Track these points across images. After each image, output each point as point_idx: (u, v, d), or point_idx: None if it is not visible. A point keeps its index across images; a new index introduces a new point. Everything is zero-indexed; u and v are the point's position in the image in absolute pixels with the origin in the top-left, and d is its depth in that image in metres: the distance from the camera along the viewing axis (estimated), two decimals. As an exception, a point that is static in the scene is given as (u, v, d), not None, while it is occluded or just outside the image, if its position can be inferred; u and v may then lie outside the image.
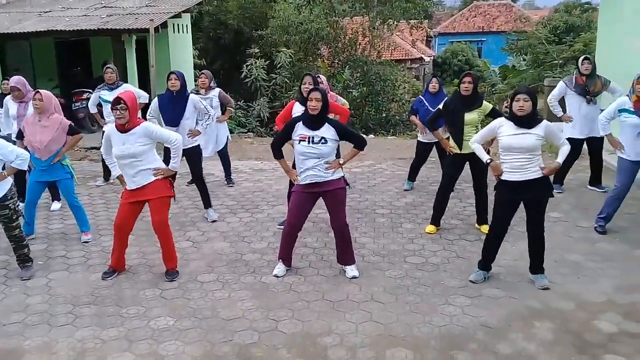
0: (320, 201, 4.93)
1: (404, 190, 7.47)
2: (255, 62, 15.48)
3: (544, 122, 4.48)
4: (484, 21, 43.09)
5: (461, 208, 6.66)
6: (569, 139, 6.93)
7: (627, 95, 5.63)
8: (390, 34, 20.86)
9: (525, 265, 4.81)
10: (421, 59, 33.75)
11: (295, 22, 17.19)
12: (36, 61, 13.29)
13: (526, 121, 4.42)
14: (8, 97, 6.71)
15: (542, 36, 21.50)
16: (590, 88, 6.82)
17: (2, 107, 6.95)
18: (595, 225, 5.82)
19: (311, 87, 5.73)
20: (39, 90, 5.63)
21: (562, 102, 7.21)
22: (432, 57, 37.31)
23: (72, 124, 5.80)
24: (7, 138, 5.71)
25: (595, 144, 6.93)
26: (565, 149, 4.58)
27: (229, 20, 18.33)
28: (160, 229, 4.89)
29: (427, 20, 39.04)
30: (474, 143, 4.83)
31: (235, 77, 16.62)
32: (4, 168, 4.85)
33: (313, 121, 4.64)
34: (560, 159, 4.56)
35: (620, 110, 5.61)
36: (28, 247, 5.15)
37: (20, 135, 5.80)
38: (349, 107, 7.52)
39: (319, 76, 7.08)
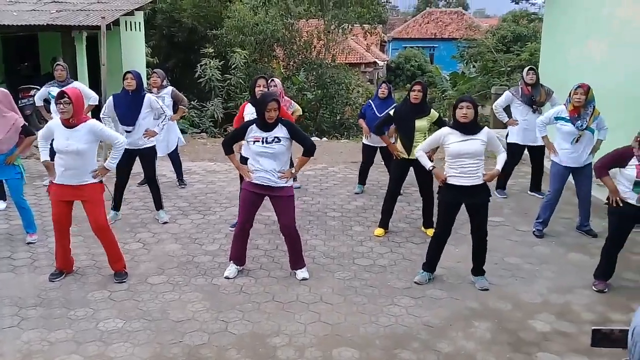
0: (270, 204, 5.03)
1: (355, 194, 7.64)
2: (210, 62, 15.39)
3: (486, 128, 4.74)
4: (436, 28, 44.07)
5: (409, 212, 6.88)
6: (511, 144, 7.33)
7: (564, 104, 5.96)
8: (345, 37, 21.12)
9: (467, 267, 5.04)
10: (375, 63, 34.26)
11: (251, 23, 17.19)
12: (-19, 56, 12.86)
13: (470, 127, 4.65)
14: None
15: (490, 45, 22.22)
16: (536, 98, 7.17)
17: None
18: (534, 229, 6.13)
19: (265, 89, 5.84)
20: None
21: (507, 109, 7.55)
22: (385, 62, 37.90)
23: (27, 124, 5.69)
24: None
25: (537, 152, 7.28)
26: (502, 156, 4.84)
27: (183, 18, 18.17)
28: (100, 231, 4.85)
29: (381, 25, 39.73)
30: (419, 151, 5.03)
31: (189, 76, 16.46)
32: None
33: (267, 124, 4.74)
34: (499, 165, 4.81)
35: (557, 118, 5.93)
36: (-29, 248, 5.03)
37: None
38: (301, 112, 7.66)
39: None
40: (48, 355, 3.83)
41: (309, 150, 4.92)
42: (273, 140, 4.71)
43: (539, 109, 7.12)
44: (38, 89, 7.88)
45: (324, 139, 13.47)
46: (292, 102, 7.46)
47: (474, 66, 24.82)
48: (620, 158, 4.60)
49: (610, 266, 4.81)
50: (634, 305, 4.56)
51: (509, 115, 7.43)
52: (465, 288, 4.87)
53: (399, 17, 65.89)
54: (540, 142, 6.64)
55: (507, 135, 7.49)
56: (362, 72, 32.78)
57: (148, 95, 6.27)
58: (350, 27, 21.01)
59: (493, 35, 24.56)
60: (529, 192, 7.57)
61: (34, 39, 12.64)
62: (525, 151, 7.42)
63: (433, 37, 43.68)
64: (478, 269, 4.92)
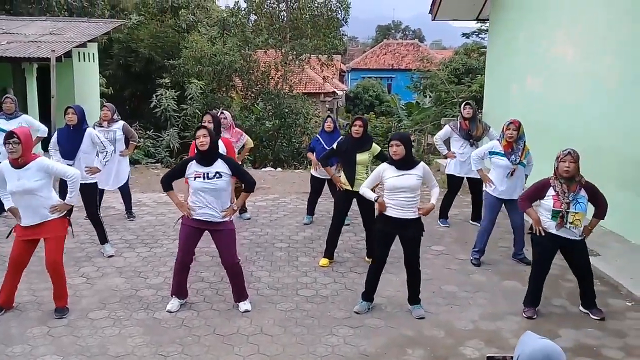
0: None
1: (304, 224, 7.79)
2: (165, 93, 15.47)
3: (422, 163, 4.98)
4: (394, 59, 45.24)
5: (355, 242, 7.06)
6: (450, 176, 7.66)
7: (498, 140, 6.28)
8: (301, 69, 21.52)
9: (406, 296, 5.21)
10: (334, 92, 34.85)
11: (208, 53, 17.41)
12: None
13: (404, 163, 4.89)
14: None
15: (443, 76, 22.98)
16: (472, 132, 7.51)
17: None
18: (471, 258, 6.39)
19: (210, 124, 6.00)
20: None
21: (447, 142, 7.89)
22: (344, 92, 38.59)
23: None
24: None
25: (476, 183, 7.59)
26: (436, 190, 5.08)
27: (140, 48, 18.25)
28: (53, 268, 4.87)
29: (340, 56, 40.53)
30: (362, 188, 5.21)
31: (145, 105, 16.50)
32: None
33: (205, 158, 4.85)
34: (433, 199, 5.04)
35: (492, 153, 6.25)
36: None
37: None
38: (252, 145, 7.82)
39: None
40: (-20, 394, 3.80)
41: (249, 186, 5.05)
42: (215, 175, 4.83)
43: (476, 143, 7.47)
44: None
45: (278, 169, 13.62)
46: (243, 134, 7.60)
47: (426, 96, 25.58)
48: (539, 190, 4.91)
49: (537, 293, 5.06)
50: (561, 331, 4.82)
51: (449, 147, 7.75)
52: (403, 316, 5.04)
53: (358, 47, 67.36)
54: (477, 174, 6.95)
55: (445, 166, 7.81)
56: (322, 102, 33.31)
57: (89, 130, 6.32)
58: (307, 58, 21.46)
59: (446, 67, 25.42)
60: (470, 221, 7.86)
61: (-17, 70, 12.49)
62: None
63: (390, 67, 44.81)
64: (414, 298, 5.11)
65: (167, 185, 5.00)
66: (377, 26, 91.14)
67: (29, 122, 7.43)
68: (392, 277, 5.76)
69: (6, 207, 5.06)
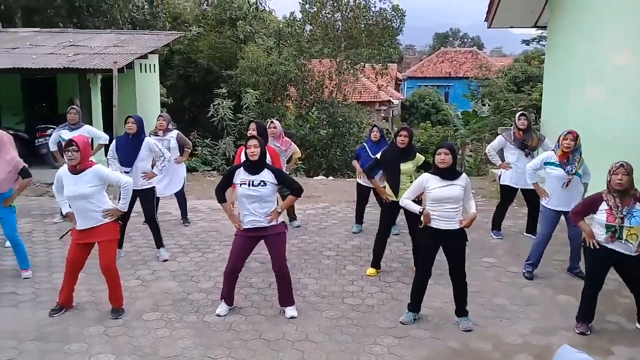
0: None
1: (353, 233, 7.81)
2: (222, 102, 15.89)
3: (464, 174, 4.94)
4: (451, 67, 44.67)
5: (403, 252, 7.02)
6: (503, 186, 7.48)
7: (553, 150, 6.12)
8: (355, 78, 21.60)
9: (454, 308, 5.14)
10: (389, 101, 34.77)
11: (264, 63, 17.75)
12: (2, 96, 13.44)
13: (449, 173, 4.85)
14: None
15: (501, 84, 22.50)
16: (527, 142, 7.33)
17: None
18: (524, 270, 6.23)
19: (254, 132, 6.13)
20: None
21: (501, 152, 7.72)
22: (400, 100, 38.39)
23: (26, 166, 5.99)
24: None
25: (532, 194, 7.36)
26: (473, 203, 5.01)
27: (199, 59, 18.78)
28: (107, 270, 5.11)
29: (396, 64, 40.37)
30: (403, 200, 5.20)
31: (203, 114, 16.97)
32: None
33: (253, 167, 4.98)
34: (473, 209, 4.95)
35: (546, 163, 6.09)
36: (-23, 283, 5.30)
37: None
38: (299, 155, 7.92)
39: (272, 122, 7.50)
40: (40, 387, 4.02)
41: (296, 192, 5.12)
42: (259, 183, 4.94)
43: (531, 153, 7.28)
44: (54, 129, 8.29)
45: (330, 177, 13.70)
46: (292, 144, 7.71)
47: (487, 105, 25.11)
48: (591, 204, 4.75)
49: (591, 308, 4.89)
50: (614, 348, 4.64)
51: (503, 158, 7.59)
52: (449, 328, 4.97)
53: (414, 56, 66.93)
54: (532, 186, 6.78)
55: (500, 177, 7.65)
56: (377, 110, 33.28)
57: (147, 139, 6.58)
58: (362, 67, 21.54)
59: (505, 75, 24.88)
60: (525, 233, 7.66)
61: (53, 81, 13.22)
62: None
63: (448, 75, 44.26)
64: (461, 310, 5.04)
65: (220, 196, 5.16)
66: (435, 34, 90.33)
67: (91, 132, 7.82)
68: (440, 289, 5.70)
69: (64, 212, 5.34)
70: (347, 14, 21.65)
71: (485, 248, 7.11)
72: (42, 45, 12.70)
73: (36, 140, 11.56)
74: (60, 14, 18.38)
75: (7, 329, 4.88)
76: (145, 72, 13.84)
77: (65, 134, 7.47)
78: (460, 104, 35.73)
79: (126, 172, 6.34)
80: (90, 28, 17.12)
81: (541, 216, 6.25)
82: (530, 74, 24.08)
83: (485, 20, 12.02)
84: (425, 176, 4.98)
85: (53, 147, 7.90)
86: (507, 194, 7.50)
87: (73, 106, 7.99)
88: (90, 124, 9.56)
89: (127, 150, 6.43)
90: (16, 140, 6.39)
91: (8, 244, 6.89)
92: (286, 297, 5.24)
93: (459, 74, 42.64)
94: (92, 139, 7.99)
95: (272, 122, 7.52)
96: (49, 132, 11.28)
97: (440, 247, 4.97)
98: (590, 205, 4.77)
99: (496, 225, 7.62)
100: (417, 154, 6.13)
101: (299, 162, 15.08)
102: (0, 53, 11.88)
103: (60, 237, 6.06)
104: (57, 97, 13.45)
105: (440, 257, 5.08)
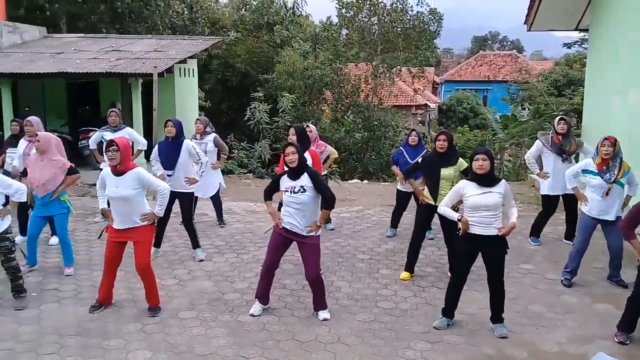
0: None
1: (387, 237, 7.79)
2: (259, 106, 16.07)
3: (503, 181, 4.85)
4: (490, 70, 44.04)
5: (438, 256, 6.96)
6: (544, 196, 7.33)
7: (592, 157, 5.97)
8: (391, 81, 21.52)
9: (489, 314, 5.07)
10: (426, 105, 34.48)
11: (300, 67, 17.89)
12: (47, 100, 13.94)
13: (487, 180, 4.78)
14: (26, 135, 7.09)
15: (542, 88, 22.06)
16: (565, 147, 7.18)
17: (16, 146, 7.35)
18: (562, 278, 6.09)
19: (294, 137, 6.18)
20: (38, 133, 6.10)
21: (540, 159, 7.58)
22: (437, 104, 38.04)
23: (73, 165, 6.21)
24: (8, 173, 6.17)
25: (570, 200, 7.22)
26: (514, 210, 4.91)
27: (237, 63, 19.07)
28: (143, 270, 5.23)
29: (433, 68, 40.04)
30: (441, 207, 5.14)
31: (240, 118, 17.22)
32: (6, 203, 5.27)
33: (293, 172, 5.04)
34: (514, 218, 4.86)
35: (585, 171, 5.95)
36: (22, 278, 5.51)
37: (24, 172, 6.25)
38: (336, 155, 7.93)
39: (308, 126, 7.55)
40: (80, 381, 4.15)
41: (328, 202, 5.09)
42: (299, 190, 4.99)
43: (569, 158, 7.13)
44: (96, 131, 8.55)
45: (365, 181, 13.68)
46: (327, 145, 7.73)
47: (527, 109, 24.66)
48: (639, 215, 4.60)
49: (633, 318, 4.74)
50: (657, 359, 4.49)
51: (541, 166, 7.45)
52: (484, 335, 4.91)
53: (452, 59, 66.27)
54: (571, 190, 6.63)
55: (540, 184, 7.51)
56: (413, 114, 33.06)
57: (186, 142, 6.70)
58: (398, 70, 21.44)
59: (545, 79, 24.39)
60: (564, 240, 7.49)
61: (96, 85, 13.62)
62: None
63: (486, 79, 43.64)
64: (497, 317, 4.96)
65: (267, 196, 5.28)
66: (473, 37, 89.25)
67: (131, 134, 8.01)
68: (476, 295, 5.63)
69: (100, 207, 5.49)
70: (383, 17, 21.60)
71: (523, 254, 6.99)
72: (86, 51, 13.11)
73: (79, 142, 11.93)
74: (104, 20, 18.93)
75: (50, 324, 5.05)
76: (185, 76, 14.12)
77: (108, 136, 7.67)
78: (498, 107, 35.17)
79: (168, 175, 6.50)
80: (132, 33, 17.58)
81: (579, 223, 6.12)
82: (572, 77, 23.57)
83: (524, 23, 11.83)
84: (463, 183, 4.93)
85: (93, 146, 8.14)
86: (549, 203, 7.35)
87: (113, 109, 8.21)
88: (131, 126, 9.79)
89: (168, 154, 6.57)
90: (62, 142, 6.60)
91: (52, 241, 7.17)
92: (320, 301, 5.27)
93: (497, 77, 41.96)
94: (132, 142, 8.21)
95: (307, 125, 7.57)
96: (91, 134, 11.57)
97: (480, 254, 4.91)
98: (637, 216, 4.62)
99: (535, 232, 7.48)
100: (460, 159, 6.05)
101: (335, 166, 15.14)
102: (46, 58, 12.31)
103: (99, 237, 6.25)
104: (100, 101, 13.84)
105: (477, 262, 5.02)
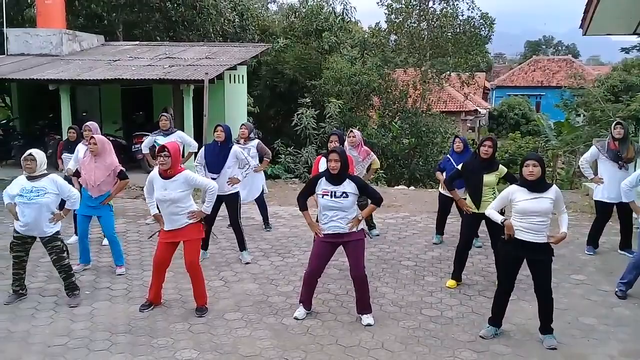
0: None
1: (433, 244, 7.70)
2: (306, 111, 16.20)
3: (554, 187, 4.73)
4: (544, 76, 42.92)
5: (485, 264, 6.82)
6: (598, 202, 7.09)
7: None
8: (440, 87, 21.27)
9: (538, 325, 4.94)
10: (476, 111, 33.90)
11: (348, 73, 17.92)
12: (103, 105, 14.49)
13: (537, 185, 4.67)
14: (83, 140, 7.38)
15: (597, 94, 21.34)
16: (622, 154, 6.93)
17: (71, 152, 7.67)
18: (616, 289, 5.86)
19: (337, 144, 6.20)
20: (94, 135, 6.35)
21: (595, 164, 7.35)
22: (488, 110, 37.33)
23: (123, 169, 6.44)
24: (67, 178, 6.45)
25: (625, 209, 6.95)
26: (565, 217, 4.77)
27: (285, 70, 19.26)
28: (192, 269, 5.36)
29: (484, 73, 39.34)
30: (488, 209, 5.07)
31: (288, 123, 17.39)
32: (61, 207, 5.51)
33: (334, 178, 5.04)
34: (564, 228, 4.73)
35: (642, 181, 5.73)
36: (75, 276, 5.74)
37: (77, 173, 6.53)
38: (378, 165, 7.88)
39: (352, 131, 7.55)
40: (129, 377, 4.29)
41: (377, 202, 5.13)
42: (341, 195, 4.99)
43: (625, 166, 6.87)
44: (149, 136, 8.82)
45: (411, 187, 13.55)
46: (371, 153, 7.70)
47: (582, 115, 23.91)
48: None
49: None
50: None
51: (596, 171, 7.21)
52: (532, 346, 4.78)
53: (504, 64, 64.96)
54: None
55: (594, 191, 7.27)
56: (463, 120, 32.57)
57: (234, 147, 6.82)
58: (447, 76, 21.18)
59: (602, 84, 23.61)
60: (618, 250, 7.21)
61: (149, 91, 14.06)
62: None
63: (540, 85, 42.55)
64: (546, 327, 4.82)
65: (302, 204, 5.28)
66: (526, 42, 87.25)
67: (182, 138, 8.23)
68: (525, 305, 5.50)
69: (151, 214, 5.65)
70: (433, 22, 21.38)
71: (574, 264, 6.77)
72: (141, 58, 13.57)
73: (133, 146, 12.32)
74: (158, 28, 19.54)
75: (102, 321, 5.23)
76: (234, 82, 14.40)
77: (160, 140, 7.89)
78: (552, 114, 34.16)
79: (213, 179, 6.62)
80: (184, 41, 18.07)
81: (638, 235, 5.86)
82: (630, 83, 22.76)
83: (580, 27, 11.47)
84: (512, 188, 4.83)
85: (145, 150, 8.40)
86: (603, 210, 7.11)
87: (164, 113, 8.44)
88: (182, 131, 10.06)
89: (215, 157, 6.71)
90: (115, 146, 6.86)
91: (105, 242, 7.40)
92: (364, 304, 5.25)
93: (551, 83, 40.88)
94: (183, 145, 8.43)
95: (351, 131, 7.57)
96: (144, 139, 11.98)
97: (525, 262, 4.79)
98: None
99: (591, 241, 7.23)
100: (500, 166, 5.96)
101: (381, 171, 15.07)
102: (103, 65, 12.81)
103: (150, 237, 6.44)
104: (153, 106, 14.27)
105: (527, 272, 4.90)
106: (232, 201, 6.81)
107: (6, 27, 14.58)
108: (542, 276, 4.74)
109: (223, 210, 6.92)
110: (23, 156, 5.38)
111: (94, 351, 4.67)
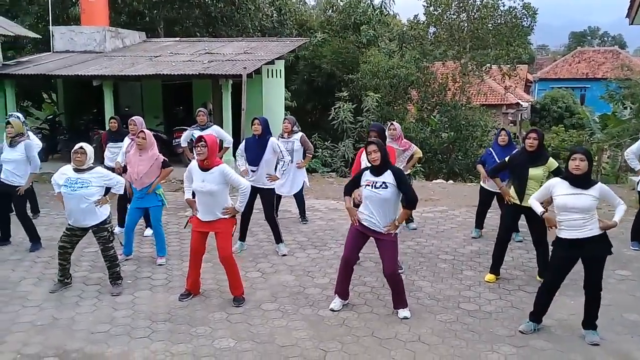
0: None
1: (472, 238, 7.59)
2: (343, 105, 16.16)
3: (599, 184, 4.58)
4: (589, 67, 41.64)
5: (526, 259, 6.69)
6: (642, 194, 6.85)
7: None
8: (481, 80, 20.87)
9: (580, 321, 4.82)
10: (518, 104, 33.16)
11: (385, 67, 17.79)
12: (145, 100, 14.79)
13: (581, 181, 4.53)
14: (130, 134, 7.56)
15: (645, 85, 20.56)
16: (669, 146, 6.68)
17: (115, 141, 7.90)
18: (664, 286, 5.67)
19: (375, 137, 6.15)
20: (144, 130, 6.51)
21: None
22: (530, 103, 36.47)
23: (166, 159, 6.60)
24: (110, 168, 6.63)
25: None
26: (622, 208, 4.61)
27: (322, 64, 19.27)
28: (225, 261, 5.43)
29: (526, 65, 38.40)
30: (532, 199, 4.98)
31: (325, 117, 17.41)
32: (105, 193, 5.67)
33: (376, 169, 5.02)
34: (617, 217, 4.57)
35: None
36: (120, 266, 5.90)
37: (125, 169, 6.73)
38: (420, 155, 7.80)
39: (392, 123, 7.50)
40: (169, 364, 4.38)
41: (410, 203, 5.04)
42: (381, 185, 4.96)
43: (675, 158, 6.62)
44: (187, 130, 8.97)
45: (450, 181, 13.37)
46: (412, 144, 7.63)
47: (628, 108, 23.10)
48: None
49: None
50: None
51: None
52: (573, 341, 4.67)
53: (548, 56, 63.37)
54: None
55: (637, 183, 7.02)
56: (504, 114, 31.91)
57: (271, 140, 6.86)
58: (488, 68, 20.76)
59: (650, 75, 22.72)
60: (665, 245, 6.97)
61: (189, 86, 14.27)
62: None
63: (584, 77, 41.29)
64: (589, 322, 4.70)
65: (347, 191, 5.29)
66: (571, 33, 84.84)
67: (218, 132, 8.36)
68: (566, 300, 5.37)
69: (185, 198, 5.74)
70: (473, 14, 20.96)
71: (619, 260, 6.55)
72: (181, 54, 13.77)
73: (173, 141, 12.53)
74: (198, 24, 19.81)
75: (143, 310, 5.36)
76: (272, 77, 14.47)
77: (197, 134, 8.02)
78: (597, 107, 33.14)
79: (252, 171, 6.70)
80: (223, 36, 18.26)
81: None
82: (682, 73, 21.79)
83: (626, 17, 11.08)
84: (554, 181, 4.72)
85: (184, 144, 8.58)
86: None
87: (201, 109, 8.59)
88: (221, 125, 10.21)
89: (254, 150, 6.77)
90: (156, 140, 7.00)
91: (146, 233, 7.60)
92: (399, 299, 5.22)
93: (597, 75, 39.57)
94: (220, 140, 8.55)
95: (392, 123, 7.52)
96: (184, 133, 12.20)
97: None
98: None
99: (636, 236, 7.00)
100: (550, 159, 5.80)
101: (419, 165, 14.91)
102: (144, 61, 13.06)
103: (185, 226, 6.56)
104: (193, 101, 14.48)
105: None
106: (267, 195, 6.86)
107: (52, 25, 15.01)
108: (593, 271, 4.60)
109: (259, 202, 6.97)
110: (74, 149, 5.55)
111: (135, 338, 4.79)
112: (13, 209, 7.22)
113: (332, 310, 5.28)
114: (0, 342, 4.70)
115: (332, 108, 16.49)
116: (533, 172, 5.74)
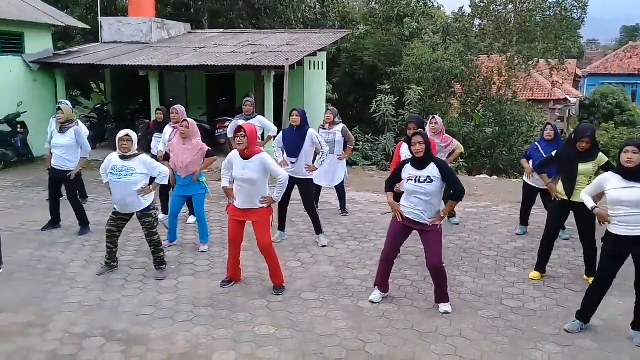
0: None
1: (516, 235, 7.43)
2: (385, 98, 16.04)
3: None
4: (641, 62, 40.10)
5: (573, 257, 6.51)
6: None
7: None
8: (527, 74, 20.36)
9: (628, 322, 4.67)
10: (566, 100, 32.26)
11: (429, 60, 17.55)
12: (189, 91, 15.04)
13: (634, 174, 4.38)
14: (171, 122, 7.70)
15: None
16: None
17: (161, 132, 8.04)
18: None
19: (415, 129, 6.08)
20: (187, 119, 6.61)
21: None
22: (578, 99, 35.43)
23: (210, 149, 6.68)
24: (154, 157, 6.75)
25: None
26: None
27: (364, 57, 19.16)
28: (264, 249, 5.47)
29: (575, 60, 37.27)
30: (583, 193, 4.83)
31: (366, 110, 17.31)
32: (150, 183, 5.79)
33: (419, 162, 4.95)
34: None
35: None
36: (164, 251, 6.03)
37: (167, 156, 6.82)
38: (462, 150, 7.67)
39: (434, 117, 7.40)
40: (210, 349, 4.46)
41: (457, 195, 4.98)
42: (425, 180, 4.88)
43: None
44: (231, 120, 9.08)
45: (494, 177, 13.12)
46: (453, 140, 7.50)
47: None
48: None
49: None
50: None
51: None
52: (621, 342, 4.53)
53: (598, 51, 61.43)
54: None
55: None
56: (551, 109, 31.09)
57: (310, 131, 6.84)
58: (535, 62, 20.23)
59: None
60: None
61: (232, 77, 14.43)
62: None
63: (636, 72, 39.81)
64: (639, 323, 4.54)
65: (388, 187, 5.26)
66: (622, 27, 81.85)
67: (262, 122, 8.42)
68: (614, 300, 5.20)
69: (222, 185, 5.77)
70: (520, 6, 20.45)
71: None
72: (225, 45, 13.92)
73: (216, 131, 12.72)
74: (242, 16, 19.98)
75: (186, 294, 5.46)
76: (314, 69, 14.48)
77: (242, 123, 8.10)
78: (650, 103, 32.01)
79: (292, 162, 6.72)
80: (266, 28, 18.38)
81: None
82: None
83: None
84: (606, 175, 4.58)
85: (230, 135, 8.65)
86: None
87: (248, 98, 8.63)
88: (263, 116, 10.26)
89: (292, 141, 6.78)
90: (200, 130, 7.09)
91: (190, 220, 7.74)
92: (441, 293, 5.15)
93: (650, 70, 38.13)
94: (263, 130, 8.61)
95: (433, 117, 7.42)
96: (227, 123, 12.34)
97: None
98: None
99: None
100: (600, 154, 5.62)
101: (462, 160, 14.68)
102: (189, 52, 13.26)
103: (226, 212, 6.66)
104: (235, 92, 14.64)
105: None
106: (305, 186, 6.87)
107: (100, 17, 15.39)
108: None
109: (298, 194, 6.99)
110: (119, 136, 5.67)
111: (178, 322, 4.89)
112: (63, 193, 7.45)
113: (372, 302, 5.26)
114: (50, 320, 4.87)
115: (374, 101, 16.39)
116: (583, 167, 5.56)
